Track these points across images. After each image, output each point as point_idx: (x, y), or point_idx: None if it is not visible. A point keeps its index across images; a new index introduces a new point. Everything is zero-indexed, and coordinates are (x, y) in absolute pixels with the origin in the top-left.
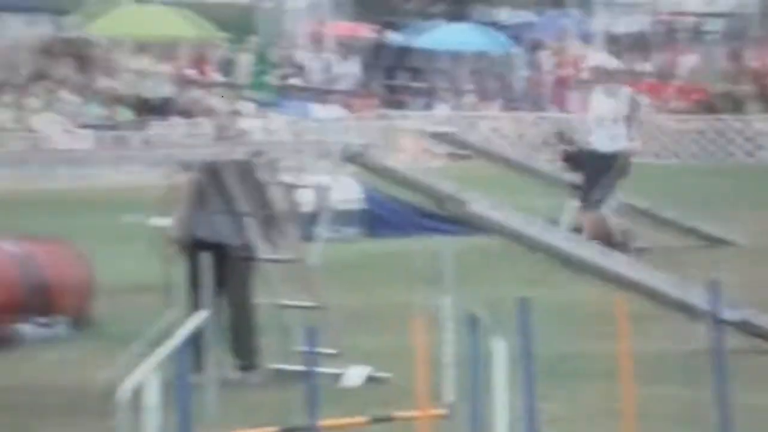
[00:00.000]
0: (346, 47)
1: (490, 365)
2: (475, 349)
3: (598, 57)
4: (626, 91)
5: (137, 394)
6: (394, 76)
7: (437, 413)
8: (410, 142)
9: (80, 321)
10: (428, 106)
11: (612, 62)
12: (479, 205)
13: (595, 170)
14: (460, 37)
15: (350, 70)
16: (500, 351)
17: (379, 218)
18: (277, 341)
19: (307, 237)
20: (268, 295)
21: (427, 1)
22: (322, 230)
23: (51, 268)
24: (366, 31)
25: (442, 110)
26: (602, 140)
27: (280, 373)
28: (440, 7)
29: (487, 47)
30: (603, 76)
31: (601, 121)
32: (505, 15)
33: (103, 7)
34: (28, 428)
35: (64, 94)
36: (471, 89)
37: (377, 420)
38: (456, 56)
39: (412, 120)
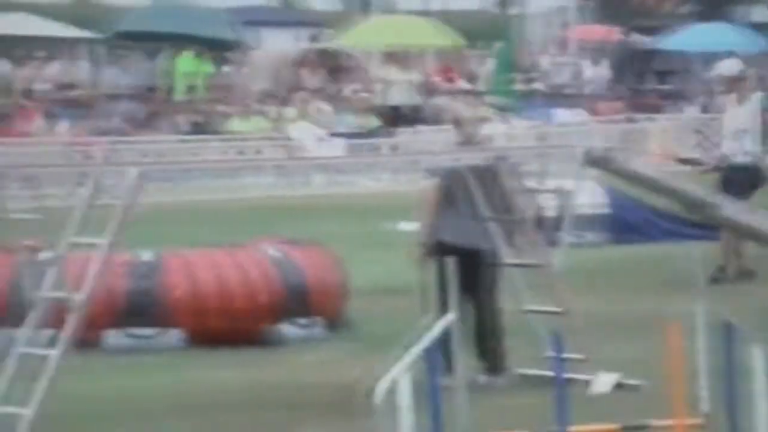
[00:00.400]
0: (594, 51)
1: (745, 374)
2: (731, 358)
3: (724, 65)
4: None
5: (391, 395)
6: (643, 79)
7: (694, 423)
8: (657, 146)
9: (336, 323)
10: (678, 109)
11: (735, 68)
12: (731, 209)
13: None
14: (712, 37)
15: (599, 74)
16: (759, 359)
17: (625, 223)
18: (523, 346)
19: (551, 242)
20: (513, 300)
21: (677, 2)
22: (565, 235)
23: (309, 271)
24: (612, 35)
25: (691, 112)
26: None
27: (527, 378)
28: (690, 8)
29: (742, 47)
30: (732, 83)
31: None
32: (760, 14)
33: (355, 20)
34: (288, 424)
35: (318, 104)
36: (722, 90)
37: (631, 428)
38: (708, 57)
39: (659, 123)
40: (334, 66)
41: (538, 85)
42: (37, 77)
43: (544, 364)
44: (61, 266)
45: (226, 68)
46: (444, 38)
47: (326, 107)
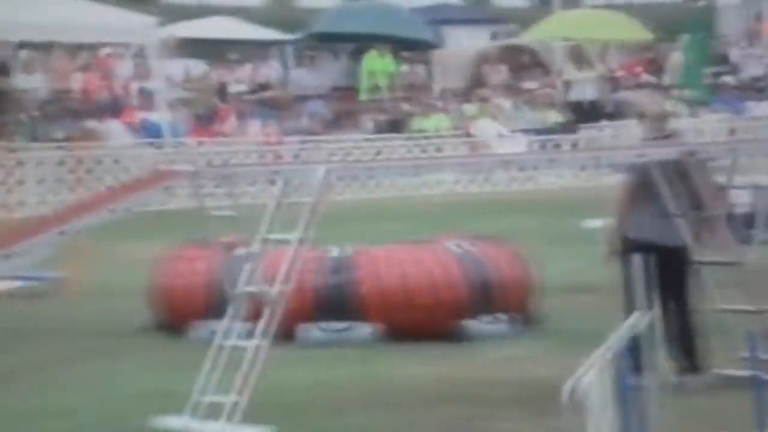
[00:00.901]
0: None
1: None
2: None
3: None
4: None
5: (580, 394)
6: None
7: None
8: None
9: (522, 319)
10: None
11: None
12: None
13: None
14: None
15: None
16: None
17: None
18: (717, 346)
19: (744, 239)
20: (706, 299)
21: None
22: (759, 232)
23: (493, 267)
24: None
25: None
26: None
27: (723, 378)
28: None
29: None
30: None
31: None
32: None
33: (537, 15)
34: (477, 419)
35: (500, 101)
36: None
37: None
38: None
39: None
40: (517, 62)
41: (727, 78)
42: (232, 79)
43: (740, 364)
44: (257, 262)
45: (410, 67)
46: (629, 31)
47: (508, 104)
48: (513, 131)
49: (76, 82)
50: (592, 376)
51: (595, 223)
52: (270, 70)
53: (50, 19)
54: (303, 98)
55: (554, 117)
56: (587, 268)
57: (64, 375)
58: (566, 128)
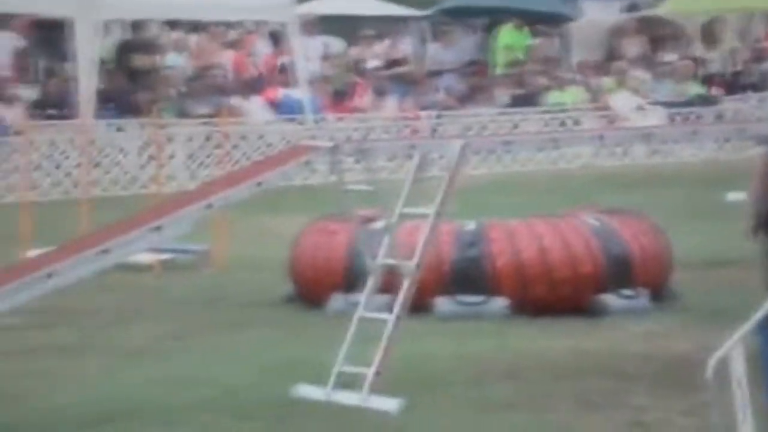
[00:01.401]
0: None
1: None
2: None
3: None
4: None
5: (724, 369)
6: None
7: None
8: None
9: (660, 294)
10: None
11: None
12: None
13: None
14: None
15: None
16: None
17: None
18: None
19: None
20: None
21: None
22: None
23: (631, 240)
24: None
25: None
26: None
27: None
28: None
29: None
30: None
31: None
32: None
33: None
34: (617, 394)
35: (637, 73)
36: None
37: None
38: None
39: None
40: (655, 34)
41: None
42: (368, 55)
43: None
44: (394, 235)
45: (546, 40)
46: None
47: (645, 76)
48: (652, 104)
49: (222, 59)
50: (735, 352)
51: (739, 196)
52: (406, 45)
53: None
54: (437, 73)
55: (695, 89)
56: (728, 242)
57: (210, 344)
58: (707, 100)
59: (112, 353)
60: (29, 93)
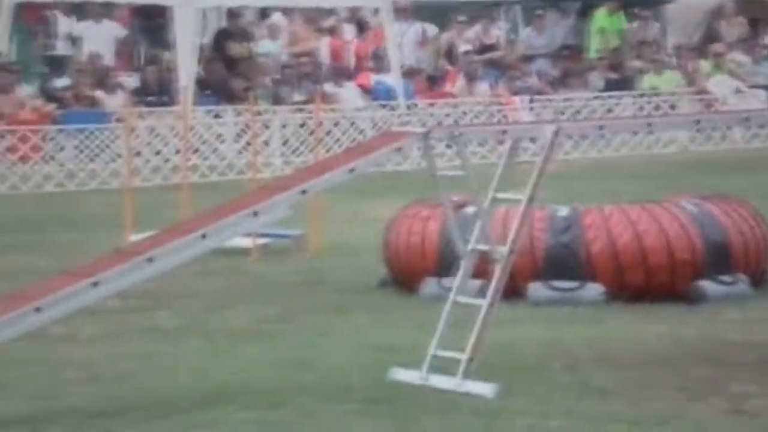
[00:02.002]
0: None
1: None
2: None
3: None
4: None
5: None
6: None
7: None
8: None
9: (760, 280)
10: None
11: None
12: None
13: None
14: None
15: None
16: None
17: None
18: None
19: None
20: None
21: None
22: None
23: (729, 226)
24: None
25: None
26: None
27: None
28: None
29: None
30: None
31: None
32: None
33: None
34: (717, 381)
35: (736, 56)
36: None
37: None
38: None
39: None
40: (755, 15)
41: None
42: (460, 40)
43: None
44: (487, 220)
45: (642, 23)
46: None
47: (745, 59)
48: (752, 87)
49: (317, 46)
50: None
51: None
52: (498, 30)
53: None
54: (530, 58)
55: None
56: None
57: (309, 328)
58: None
59: (212, 336)
60: (131, 81)
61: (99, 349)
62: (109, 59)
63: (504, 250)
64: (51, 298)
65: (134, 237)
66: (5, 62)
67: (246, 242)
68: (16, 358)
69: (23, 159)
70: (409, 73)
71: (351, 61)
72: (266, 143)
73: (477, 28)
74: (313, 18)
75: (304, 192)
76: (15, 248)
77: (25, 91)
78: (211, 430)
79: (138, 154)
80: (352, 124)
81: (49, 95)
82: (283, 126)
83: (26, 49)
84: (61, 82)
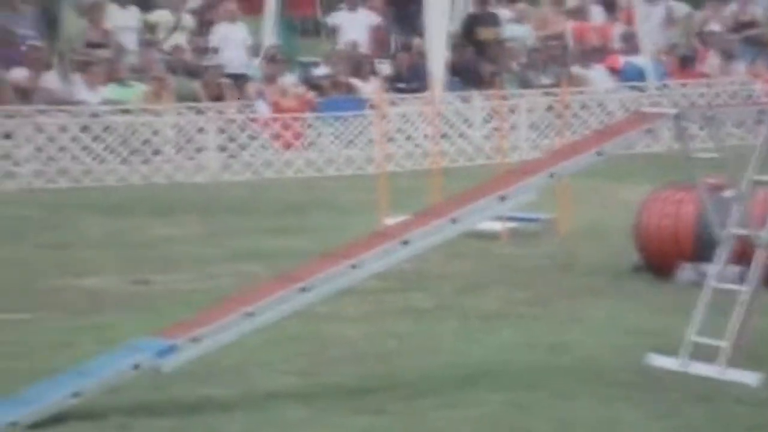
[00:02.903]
0: None
1: None
2: None
3: None
4: None
5: None
6: None
7: None
8: None
9: None
10: None
11: None
12: None
13: None
14: None
15: None
16: None
17: None
18: None
19: None
20: None
21: None
22: None
23: None
24: None
25: None
26: None
27: None
28: None
29: None
30: None
31: None
32: None
33: None
34: None
35: None
36: None
37: None
38: None
39: None
40: None
41: None
42: (714, 19)
43: None
44: (745, 204)
45: None
46: None
47: None
48: None
49: (564, 29)
50: None
51: None
52: (755, 7)
53: None
54: None
55: None
56: None
57: (562, 311)
58: None
59: (466, 318)
60: (385, 68)
61: (361, 328)
62: (364, 47)
63: (764, 234)
64: (314, 279)
65: (389, 220)
66: (273, 53)
67: (495, 226)
68: (286, 336)
69: (286, 145)
70: (660, 54)
71: (599, 43)
72: (513, 127)
73: (733, 5)
74: (560, 1)
75: (552, 175)
76: (281, 231)
77: (288, 80)
78: (470, 410)
79: (391, 140)
80: (600, 106)
81: (309, 83)
82: (530, 110)
83: (290, 40)
84: (319, 70)
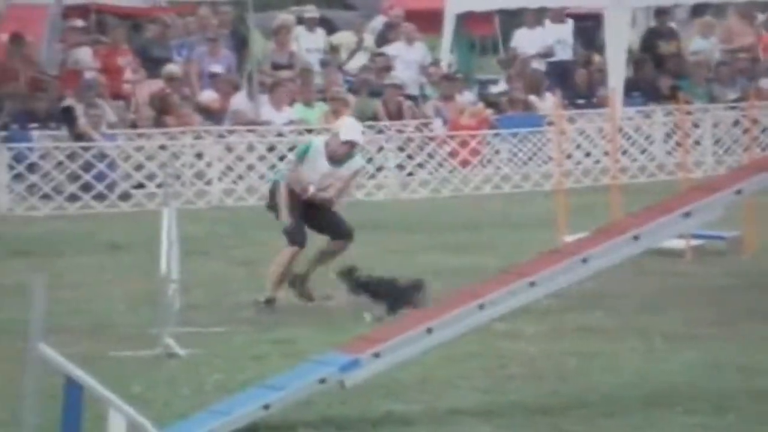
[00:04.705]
0: None
1: None
2: None
3: None
4: None
5: None
6: None
7: None
8: None
9: None
10: None
11: None
12: None
13: None
14: None
15: None
16: None
17: None
18: None
19: None
20: None
21: None
22: None
23: None
24: None
25: None
26: None
27: None
28: None
29: None
30: None
31: None
32: None
33: None
34: None
35: None
36: None
37: None
38: None
39: None
40: None
41: None
42: None
43: None
44: None
45: None
46: None
47: None
48: None
49: (753, 41)
50: None
51: None
52: None
53: None
54: None
55: None
56: None
57: (748, 332)
58: None
59: (649, 338)
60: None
61: (540, 346)
62: (540, 64)
63: None
64: (493, 296)
65: (568, 238)
66: (451, 72)
67: (679, 243)
68: (466, 353)
69: (463, 163)
70: None
71: None
72: (697, 142)
73: None
74: (749, 13)
75: (739, 192)
76: (459, 248)
77: (466, 97)
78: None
79: (569, 156)
80: None
81: (487, 101)
82: (715, 124)
83: (468, 58)
84: (497, 87)
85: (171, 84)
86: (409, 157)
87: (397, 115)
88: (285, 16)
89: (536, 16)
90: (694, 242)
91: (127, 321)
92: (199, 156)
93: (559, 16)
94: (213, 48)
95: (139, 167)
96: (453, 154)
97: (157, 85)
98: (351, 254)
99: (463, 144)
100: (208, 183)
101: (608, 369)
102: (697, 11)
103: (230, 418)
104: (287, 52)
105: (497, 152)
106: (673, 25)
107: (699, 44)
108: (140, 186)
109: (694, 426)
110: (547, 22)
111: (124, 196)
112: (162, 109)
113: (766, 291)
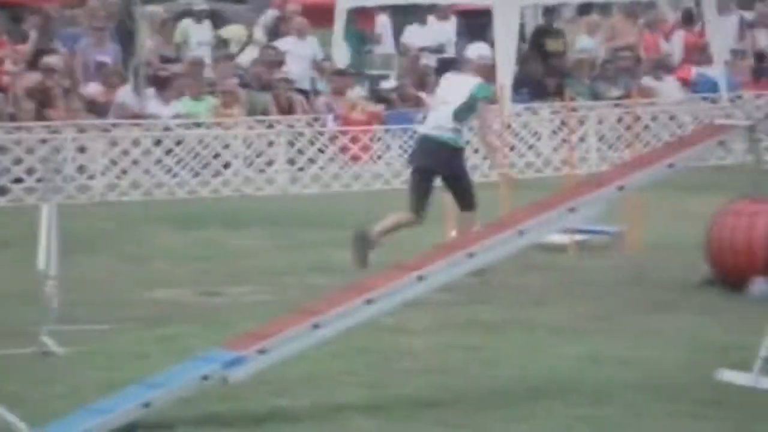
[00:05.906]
0: None
1: None
2: None
3: None
4: None
5: None
6: None
7: None
8: None
9: None
10: None
11: None
12: None
13: None
14: None
15: None
16: None
17: None
18: None
19: None
20: None
21: None
22: None
23: None
24: None
25: None
26: None
27: None
28: None
29: None
30: None
31: None
32: None
33: None
34: None
35: None
36: None
37: None
38: None
39: None
40: None
41: None
42: None
43: None
44: None
45: None
46: None
47: None
48: None
49: (636, 40)
50: None
51: None
52: None
53: None
54: None
55: None
56: None
57: (631, 325)
58: None
59: (533, 331)
60: None
61: (427, 340)
62: (430, 59)
63: None
64: (380, 291)
65: (455, 233)
66: (342, 68)
67: (563, 239)
68: (352, 348)
69: (354, 159)
70: (732, 65)
71: (675, 54)
72: (582, 139)
73: None
74: (633, 12)
75: (621, 188)
76: (348, 243)
77: (357, 93)
78: (537, 424)
79: None
80: (672, 118)
81: (377, 96)
82: (600, 121)
83: (358, 53)
84: (388, 83)
85: (50, 76)
86: (300, 152)
87: (288, 109)
88: (170, 8)
89: (423, 13)
90: (578, 237)
91: (3, 319)
92: (82, 150)
93: (444, 13)
94: (99, 38)
95: (18, 161)
96: (344, 149)
97: (36, 77)
98: (239, 249)
99: (354, 140)
100: (91, 177)
101: (493, 362)
102: (583, 10)
103: (108, 417)
104: (174, 45)
105: (388, 148)
106: (560, 24)
107: (585, 42)
108: (19, 180)
109: (575, 418)
110: (432, 18)
111: (2, 191)
112: (42, 102)
113: (647, 285)
